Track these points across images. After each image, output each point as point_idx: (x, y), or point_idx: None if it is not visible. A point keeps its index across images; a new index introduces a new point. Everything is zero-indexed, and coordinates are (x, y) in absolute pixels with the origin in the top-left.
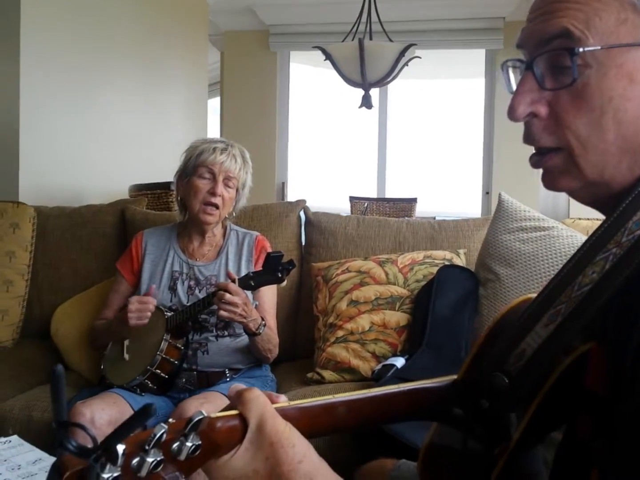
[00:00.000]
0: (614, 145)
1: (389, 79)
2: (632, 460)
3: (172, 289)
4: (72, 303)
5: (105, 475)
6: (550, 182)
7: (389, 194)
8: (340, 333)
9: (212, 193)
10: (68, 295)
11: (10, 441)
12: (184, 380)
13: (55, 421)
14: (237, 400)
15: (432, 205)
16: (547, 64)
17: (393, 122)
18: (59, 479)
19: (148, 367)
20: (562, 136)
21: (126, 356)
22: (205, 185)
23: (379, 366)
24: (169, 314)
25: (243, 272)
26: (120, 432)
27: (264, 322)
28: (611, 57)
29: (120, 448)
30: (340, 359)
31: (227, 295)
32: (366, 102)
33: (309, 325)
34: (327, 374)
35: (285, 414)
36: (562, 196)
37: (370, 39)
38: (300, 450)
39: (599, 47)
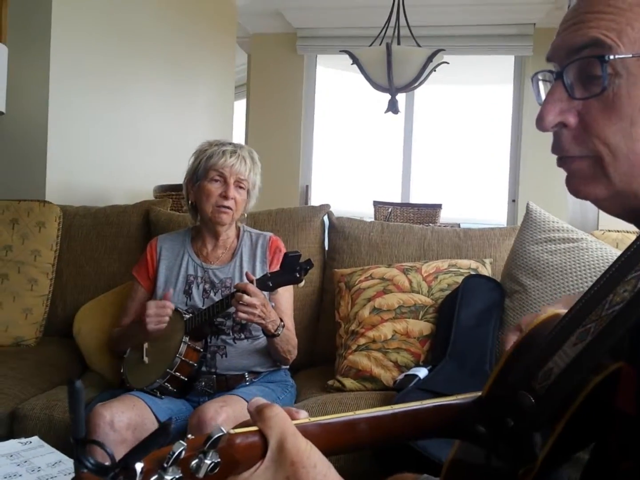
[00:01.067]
0: None
1: (416, 84)
2: None
3: (187, 292)
4: (94, 303)
5: None
6: (576, 187)
7: (413, 200)
8: (362, 341)
9: (225, 196)
10: (91, 294)
11: (30, 442)
12: (203, 383)
13: (73, 437)
14: (257, 417)
15: (457, 211)
16: (577, 73)
17: (419, 126)
18: None
19: (168, 370)
20: (591, 146)
21: (146, 359)
22: (217, 189)
23: (401, 376)
24: (187, 316)
25: (258, 274)
26: (139, 451)
27: (282, 323)
28: None
29: (139, 466)
30: (362, 367)
31: (245, 297)
32: (392, 107)
33: (330, 331)
34: (348, 382)
35: (306, 430)
36: (591, 207)
37: (398, 43)
38: (321, 470)
39: (630, 55)
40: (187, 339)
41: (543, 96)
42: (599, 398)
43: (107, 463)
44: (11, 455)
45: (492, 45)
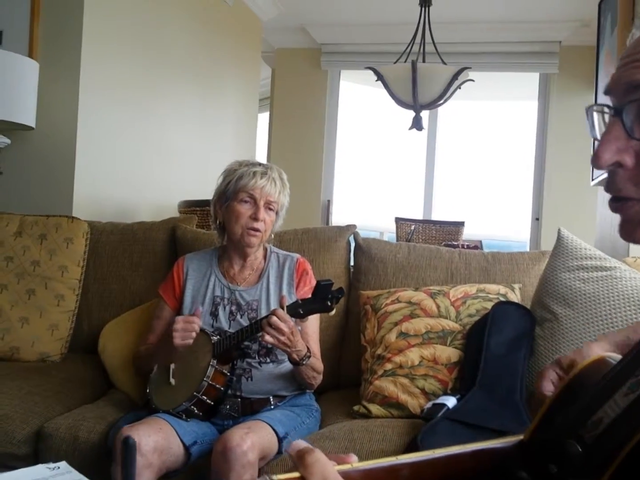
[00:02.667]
0: None
1: (440, 102)
2: None
3: (214, 314)
4: (119, 321)
5: None
6: (630, 232)
7: (435, 216)
8: (388, 366)
9: (255, 218)
10: (117, 311)
11: (59, 467)
12: (228, 407)
13: None
14: (298, 463)
15: (479, 228)
16: (638, 112)
17: (442, 142)
18: None
19: (195, 393)
20: None
21: (172, 380)
22: (247, 210)
23: (429, 404)
24: (215, 338)
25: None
26: None
27: (308, 354)
28: None
29: None
30: (388, 393)
31: (274, 319)
32: (417, 124)
33: (355, 354)
34: (374, 408)
35: (349, 478)
36: None
37: (424, 60)
38: None
39: None
40: (215, 362)
41: (597, 130)
42: None
43: None
44: None
45: (517, 63)
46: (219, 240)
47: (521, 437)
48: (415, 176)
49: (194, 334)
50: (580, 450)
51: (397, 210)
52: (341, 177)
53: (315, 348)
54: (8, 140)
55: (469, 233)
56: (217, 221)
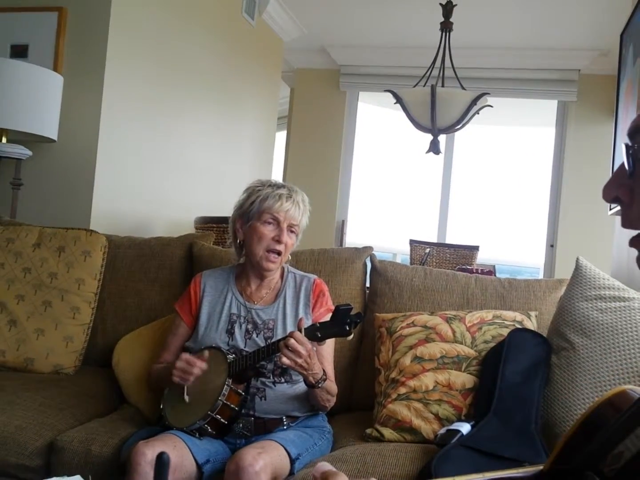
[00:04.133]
0: None
1: (459, 126)
2: None
3: (230, 332)
4: (134, 335)
5: None
6: None
7: (449, 239)
8: (402, 390)
9: (278, 241)
10: (131, 325)
11: None
12: (241, 425)
13: None
14: None
15: (493, 253)
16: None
17: (458, 166)
18: None
19: (209, 412)
20: None
21: (186, 398)
22: (270, 232)
23: (443, 430)
24: (231, 357)
25: (301, 316)
26: None
27: (324, 377)
28: None
29: None
30: (402, 417)
31: (292, 341)
32: (434, 148)
33: (368, 376)
34: (387, 432)
35: None
36: None
37: (443, 85)
38: None
39: None
40: (230, 381)
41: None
42: None
43: None
44: None
45: (536, 90)
46: (236, 258)
47: (541, 467)
48: (430, 199)
49: (191, 378)
50: None
51: (411, 232)
52: (356, 198)
53: (330, 370)
54: (30, 152)
55: (482, 257)
56: (237, 240)
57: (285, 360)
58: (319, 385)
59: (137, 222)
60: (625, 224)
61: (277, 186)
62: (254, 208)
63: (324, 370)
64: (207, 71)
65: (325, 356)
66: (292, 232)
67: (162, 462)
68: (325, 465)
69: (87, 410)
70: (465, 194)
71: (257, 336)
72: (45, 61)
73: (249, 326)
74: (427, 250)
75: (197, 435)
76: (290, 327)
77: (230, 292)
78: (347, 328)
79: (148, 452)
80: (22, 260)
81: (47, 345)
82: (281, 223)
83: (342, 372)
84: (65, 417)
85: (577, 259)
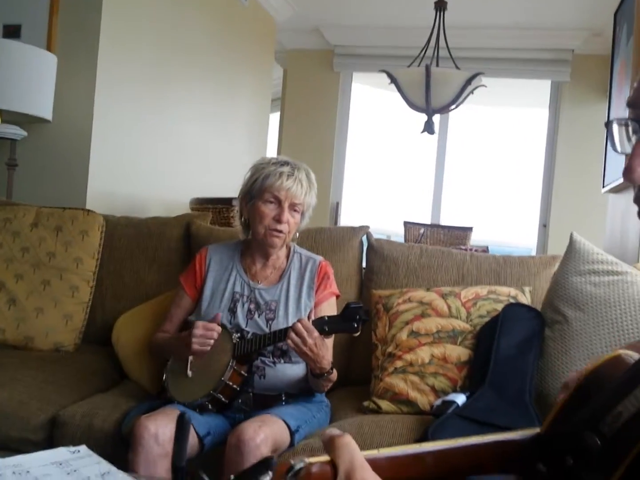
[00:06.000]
0: None
1: (453, 106)
2: None
3: (232, 311)
4: (134, 313)
5: None
6: None
7: (443, 220)
8: (399, 363)
9: (278, 220)
10: (130, 304)
11: (79, 451)
12: (240, 401)
13: (174, 465)
14: (329, 447)
15: (486, 233)
16: None
17: (452, 146)
18: None
19: (211, 392)
20: None
21: (189, 373)
22: (271, 211)
23: (439, 401)
24: (236, 336)
25: (304, 298)
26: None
27: (331, 372)
28: None
29: None
30: (399, 390)
31: (299, 326)
32: (429, 128)
33: (365, 352)
34: (384, 404)
35: (375, 463)
36: (633, 238)
37: (437, 65)
38: None
39: None
40: (234, 362)
41: (617, 142)
42: None
43: None
44: (60, 464)
45: (529, 70)
46: (243, 235)
47: (537, 430)
48: (424, 180)
49: (212, 342)
50: (598, 442)
51: (406, 213)
52: (351, 179)
53: (329, 357)
54: (25, 133)
55: (475, 238)
56: (242, 218)
57: (290, 343)
58: (324, 377)
59: (133, 202)
60: None
61: (281, 164)
62: (256, 186)
63: (332, 366)
64: (201, 51)
65: (327, 344)
66: (295, 210)
67: (184, 421)
68: (333, 430)
69: (88, 386)
70: (459, 175)
71: (258, 317)
72: (38, 41)
73: (252, 306)
74: (422, 231)
75: (197, 410)
76: (292, 310)
77: (235, 270)
78: (355, 325)
79: (151, 426)
80: (20, 240)
81: (47, 324)
82: (282, 202)
83: (339, 347)
84: (67, 392)
85: (571, 234)
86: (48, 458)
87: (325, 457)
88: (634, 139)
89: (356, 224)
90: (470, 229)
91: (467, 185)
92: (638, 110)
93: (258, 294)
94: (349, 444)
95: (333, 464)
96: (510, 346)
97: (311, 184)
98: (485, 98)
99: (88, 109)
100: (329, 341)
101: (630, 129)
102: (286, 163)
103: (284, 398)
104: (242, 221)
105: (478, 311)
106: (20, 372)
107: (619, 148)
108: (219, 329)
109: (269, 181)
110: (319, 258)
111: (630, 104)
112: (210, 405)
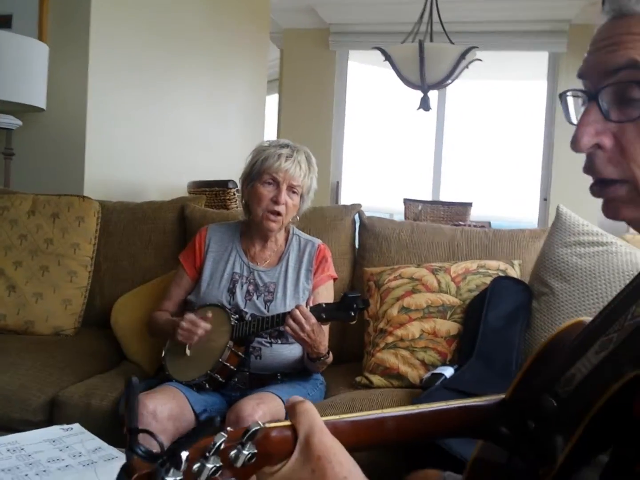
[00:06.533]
0: None
1: (448, 82)
2: None
3: (231, 291)
4: (131, 295)
5: (168, 479)
6: (612, 212)
7: (443, 197)
8: (390, 339)
9: (276, 201)
10: (128, 287)
11: (72, 428)
12: (236, 380)
13: (128, 427)
14: (290, 412)
15: (487, 209)
16: (613, 95)
17: (450, 123)
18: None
19: (208, 372)
20: (627, 169)
21: (188, 352)
22: (269, 193)
23: (428, 374)
24: (234, 318)
25: (302, 281)
26: (186, 441)
27: (327, 356)
28: None
29: (184, 455)
30: (389, 364)
31: (297, 312)
32: (424, 105)
33: (358, 329)
34: (376, 379)
35: (335, 427)
36: None
37: (431, 40)
38: (346, 468)
39: None
40: (232, 344)
41: (572, 114)
42: (618, 404)
43: (155, 451)
44: (54, 441)
45: (526, 42)
46: (243, 216)
47: (502, 396)
48: (424, 157)
49: (196, 338)
50: (555, 405)
51: (406, 191)
52: (350, 159)
53: (325, 341)
54: (20, 122)
55: (477, 214)
56: (243, 200)
57: (288, 329)
58: (319, 360)
59: (131, 188)
60: (593, 171)
61: (281, 146)
62: (255, 168)
63: (329, 351)
64: (194, 34)
65: (322, 329)
66: (293, 192)
67: (131, 383)
68: (295, 398)
69: (87, 368)
70: (459, 150)
71: (257, 298)
72: (29, 30)
73: (250, 287)
74: (419, 207)
75: (194, 389)
76: (290, 292)
77: (234, 250)
78: (352, 314)
79: (149, 403)
80: (17, 228)
81: (47, 309)
82: (280, 184)
83: (333, 326)
84: (66, 374)
85: (558, 206)
86: (42, 436)
87: (286, 422)
88: (582, 110)
89: (355, 201)
90: (469, 204)
91: (467, 161)
92: (587, 82)
93: (257, 275)
94: (309, 409)
95: (294, 429)
96: (498, 319)
97: (311, 166)
98: (482, 72)
99: (82, 97)
100: (326, 326)
101: (580, 100)
102: (286, 145)
103: (279, 377)
104: (243, 203)
105: (467, 285)
106: (21, 356)
107: (572, 119)
108: (207, 326)
109: (268, 163)
110: (318, 241)
111: (580, 75)
112: (207, 384)
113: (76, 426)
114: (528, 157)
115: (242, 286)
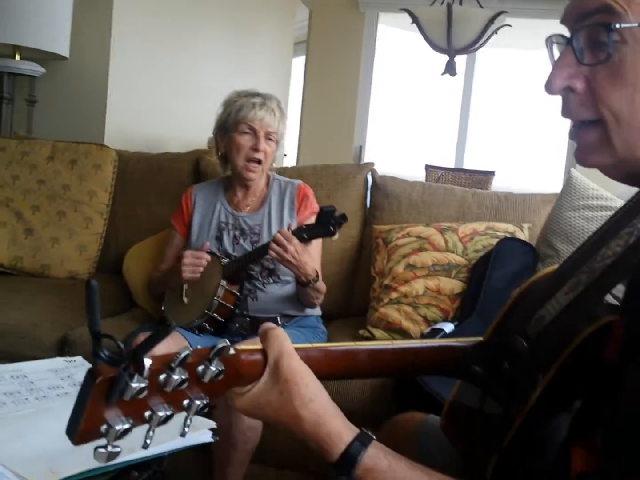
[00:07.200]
0: None
1: (475, 47)
2: (629, 428)
3: (219, 239)
4: (144, 244)
5: (133, 385)
6: (583, 157)
7: (467, 165)
8: (394, 295)
9: (255, 149)
10: (142, 236)
11: (74, 361)
12: (237, 325)
13: (90, 331)
14: (261, 337)
15: (510, 179)
16: (586, 39)
17: (478, 90)
18: (92, 383)
19: (206, 311)
20: (597, 110)
21: (185, 299)
22: (247, 142)
23: (428, 329)
24: (225, 260)
25: (286, 220)
26: (145, 345)
27: (316, 278)
28: None
29: (147, 362)
30: (392, 319)
31: (278, 236)
32: (450, 69)
33: (365, 286)
34: (378, 333)
35: (307, 354)
36: None
37: (460, 3)
38: (312, 391)
39: (637, 24)
40: (225, 282)
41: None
42: (591, 349)
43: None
44: (56, 371)
45: (556, 9)
46: (221, 170)
47: (480, 338)
48: (449, 124)
49: (201, 268)
50: (525, 345)
51: (430, 157)
52: (374, 123)
53: (318, 269)
54: (43, 69)
55: (499, 185)
56: (219, 153)
57: (272, 253)
58: (310, 285)
59: (151, 140)
60: (568, 113)
61: (252, 95)
62: (230, 119)
63: (317, 273)
64: None
65: (312, 256)
66: (270, 139)
67: (89, 288)
68: (268, 324)
69: (99, 311)
70: (485, 119)
71: (244, 241)
72: None
73: (237, 232)
74: (440, 174)
75: (196, 332)
76: (275, 232)
77: (219, 203)
78: (332, 229)
79: None
80: (36, 172)
81: (62, 253)
82: (258, 132)
83: (341, 282)
84: (78, 316)
85: (570, 170)
86: (45, 366)
87: (257, 346)
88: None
89: (380, 168)
90: (492, 172)
91: (492, 130)
92: (566, 27)
93: (242, 220)
94: (279, 335)
95: (264, 353)
96: (501, 278)
97: (283, 113)
98: (512, 40)
99: (105, 46)
100: (315, 252)
101: (561, 45)
102: (257, 94)
103: (280, 321)
104: (219, 156)
105: (474, 246)
106: (36, 297)
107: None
108: (208, 256)
109: (243, 112)
110: (297, 181)
111: (562, 20)
112: (208, 326)
113: (79, 359)
114: (555, 128)
115: (229, 232)
